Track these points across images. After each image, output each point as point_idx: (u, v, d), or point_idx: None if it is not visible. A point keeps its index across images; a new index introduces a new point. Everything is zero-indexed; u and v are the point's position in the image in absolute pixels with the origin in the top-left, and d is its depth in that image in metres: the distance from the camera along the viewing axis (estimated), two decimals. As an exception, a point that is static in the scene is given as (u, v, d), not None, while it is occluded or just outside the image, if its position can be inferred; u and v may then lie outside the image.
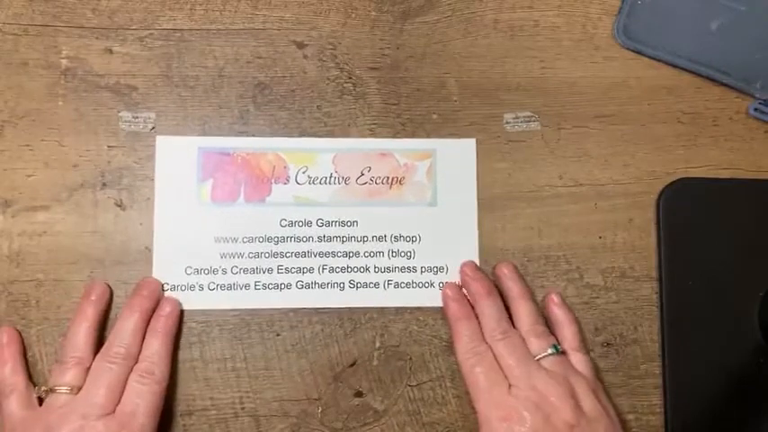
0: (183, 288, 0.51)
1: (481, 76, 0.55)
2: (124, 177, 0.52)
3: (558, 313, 0.51)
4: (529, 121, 0.55)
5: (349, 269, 0.52)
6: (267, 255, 0.52)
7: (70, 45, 0.53)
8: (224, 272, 0.52)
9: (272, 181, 0.53)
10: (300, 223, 0.53)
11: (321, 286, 0.52)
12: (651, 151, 0.55)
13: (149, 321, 0.49)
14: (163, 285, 0.51)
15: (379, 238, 0.53)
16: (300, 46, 0.55)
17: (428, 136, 0.54)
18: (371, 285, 0.52)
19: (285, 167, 0.53)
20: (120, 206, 0.52)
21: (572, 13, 0.56)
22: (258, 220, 0.53)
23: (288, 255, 0.52)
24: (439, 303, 0.52)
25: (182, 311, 0.51)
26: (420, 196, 0.53)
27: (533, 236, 0.54)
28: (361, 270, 0.52)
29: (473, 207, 0.53)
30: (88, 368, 0.47)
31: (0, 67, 0.53)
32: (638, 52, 0.55)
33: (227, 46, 0.54)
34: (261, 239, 0.52)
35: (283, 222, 0.53)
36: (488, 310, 0.50)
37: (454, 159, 0.54)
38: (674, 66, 0.55)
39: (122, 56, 0.54)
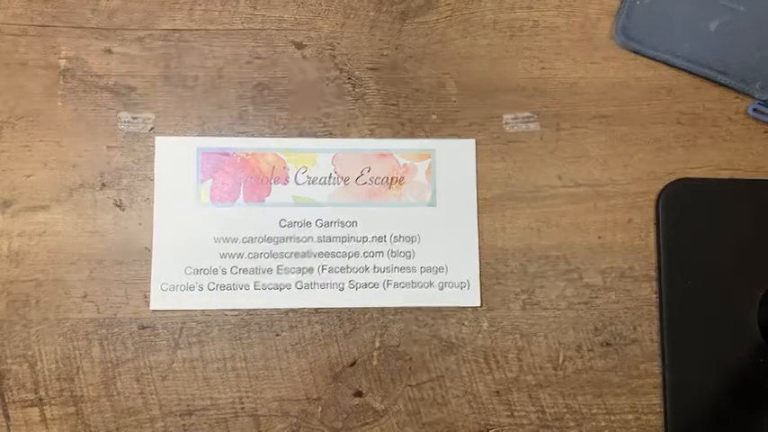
0: (183, 288, 0.51)
1: (480, 77, 0.55)
2: (123, 178, 0.52)
3: None
4: (528, 122, 0.55)
5: (349, 269, 0.52)
6: (267, 255, 0.52)
7: (69, 45, 0.53)
8: (224, 272, 0.52)
9: (272, 181, 0.53)
10: (300, 223, 0.53)
11: (321, 286, 0.52)
12: (650, 151, 0.55)
13: None
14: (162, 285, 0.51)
15: (379, 239, 0.53)
16: (299, 46, 0.55)
17: (427, 136, 0.54)
18: (371, 285, 0.52)
19: (284, 168, 0.53)
20: (119, 206, 0.52)
21: (571, 14, 0.56)
22: (258, 221, 0.53)
23: (287, 255, 0.52)
24: (439, 303, 0.52)
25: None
26: (420, 196, 0.53)
27: (533, 236, 0.54)
28: (361, 270, 0.52)
29: (473, 207, 0.53)
30: None
31: (-1, 67, 0.53)
32: (638, 52, 0.55)
33: (226, 46, 0.54)
34: (260, 240, 0.52)
35: (283, 222, 0.53)
36: None
37: (454, 159, 0.54)
38: (674, 66, 0.55)
39: (121, 56, 0.54)
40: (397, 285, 0.52)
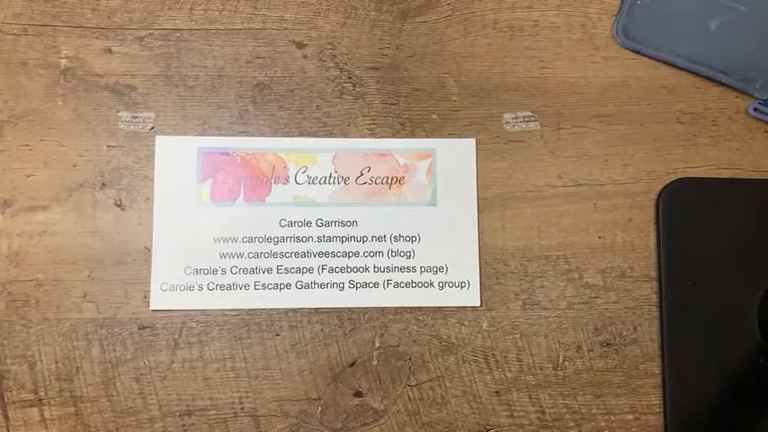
0: (183, 288, 0.51)
1: (480, 76, 0.55)
2: (123, 177, 0.52)
3: None
4: (528, 121, 0.55)
5: (348, 269, 0.52)
6: (267, 255, 0.52)
7: (69, 45, 0.53)
8: (223, 272, 0.52)
9: (272, 181, 0.53)
10: (300, 223, 0.53)
11: (321, 286, 0.52)
12: (650, 151, 0.55)
13: None
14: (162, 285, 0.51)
15: (379, 238, 0.53)
16: (300, 46, 0.55)
17: (428, 136, 0.54)
18: (371, 285, 0.52)
19: (285, 167, 0.53)
20: (119, 206, 0.52)
21: (571, 13, 0.56)
22: (258, 220, 0.53)
23: (287, 255, 0.52)
24: (439, 303, 0.52)
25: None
26: (420, 196, 0.53)
27: (533, 236, 0.54)
28: (361, 270, 0.52)
29: (473, 207, 0.53)
30: None
31: (-1, 66, 0.53)
32: (638, 52, 0.55)
33: (226, 46, 0.54)
34: (260, 239, 0.52)
35: (283, 222, 0.53)
36: None
37: (454, 159, 0.54)
38: (674, 65, 0.55)
39: (122, 56, 0.54)
40: (397, 285, 0.52)
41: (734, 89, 0.55)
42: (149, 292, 0.51)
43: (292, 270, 0.52)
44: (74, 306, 0.51)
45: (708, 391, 0.52)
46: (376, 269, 0.53)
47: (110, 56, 0.54)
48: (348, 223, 0.53)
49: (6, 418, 0.50)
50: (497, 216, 0.54)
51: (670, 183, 0.54)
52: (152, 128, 0.53)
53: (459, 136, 0.54)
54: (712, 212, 0.54)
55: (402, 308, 0.52)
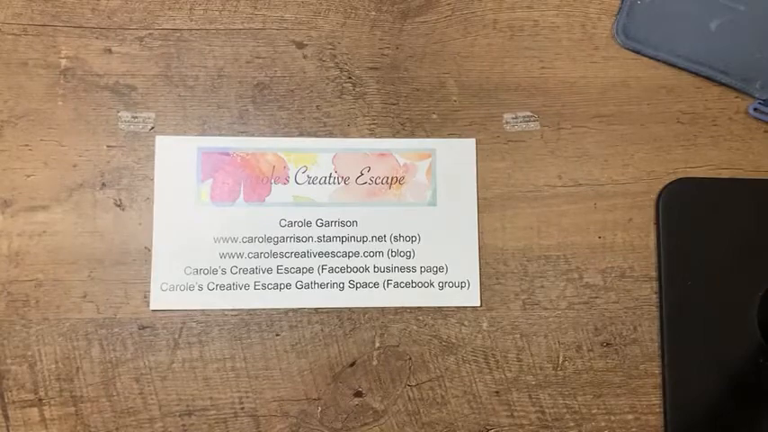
0: (183, 288, 0.51)
1: (480, 76, 0.55)
2: (123, 177, 0.52)
3: None
4: (528, 121, 0.55)
5: (348, 269, 0.52)
6: (267, 255, 0.52)
7: (69, 45, 0.53)
8: (223, 272, 0.52)
9: (272, 181, 0.53)
10: (300, 223, 0.53)
11: (321, 286, 0.52)
12: (650, 151, 0.55)
13: None
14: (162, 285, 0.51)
15: (379, 238, 0.53)
16: (300, 46, 0.55)
17: (428, 136, 0.54)
18: (371, 285, 0.52)
19: (285, 167, 0.53)
20: (119, 206, 0.52)
21: (571, 13, 0.56)
22: (258, 220, 0.53)
23: (287, 255, 0.52)
24: (439, 303, 0.52)
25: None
26: (420, 196, 0.53)
27: (533, 236, 0.54)
28: (361, 270, 0.52)
29: (473, 207, 0.53)
30: None
31: (-1, 66, 0.53)
32: (638, 52, 0.55)
33: (226, 46, 0.54)
34: (260, 239, 0.52)
35: (283, 222, 0.53)
36: None
37: (454, 159, 0.54)
38: (674, 65, 0.55)
39: (122, 56, 0.54)
40: (397, 285, 0.52)
41: (734, 89, 0.55)
42: (149, 292, 0.51)
43: (292, 270, 0.52)
44: (74, 306, 0.51)
45: (708, 391, 0.52)
46: (376, 269, 0.53)
47: (110, 56, 0.54)
48: (348, 223, 0.53)
49: (6, 418, 0.50)
50: (497, 216, 0.54)
51: (670, 183, 0.54)
52: (152, 128, 0.53)
53: (459, 136, 0.54)
54: (712, 212, 0.54)
55: (402, 308, 0.52)
